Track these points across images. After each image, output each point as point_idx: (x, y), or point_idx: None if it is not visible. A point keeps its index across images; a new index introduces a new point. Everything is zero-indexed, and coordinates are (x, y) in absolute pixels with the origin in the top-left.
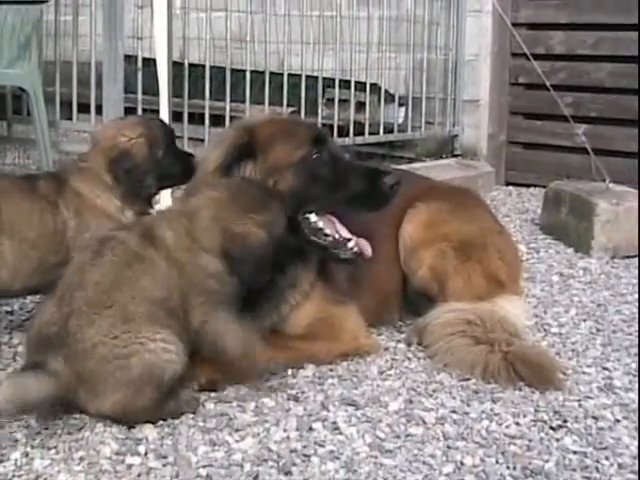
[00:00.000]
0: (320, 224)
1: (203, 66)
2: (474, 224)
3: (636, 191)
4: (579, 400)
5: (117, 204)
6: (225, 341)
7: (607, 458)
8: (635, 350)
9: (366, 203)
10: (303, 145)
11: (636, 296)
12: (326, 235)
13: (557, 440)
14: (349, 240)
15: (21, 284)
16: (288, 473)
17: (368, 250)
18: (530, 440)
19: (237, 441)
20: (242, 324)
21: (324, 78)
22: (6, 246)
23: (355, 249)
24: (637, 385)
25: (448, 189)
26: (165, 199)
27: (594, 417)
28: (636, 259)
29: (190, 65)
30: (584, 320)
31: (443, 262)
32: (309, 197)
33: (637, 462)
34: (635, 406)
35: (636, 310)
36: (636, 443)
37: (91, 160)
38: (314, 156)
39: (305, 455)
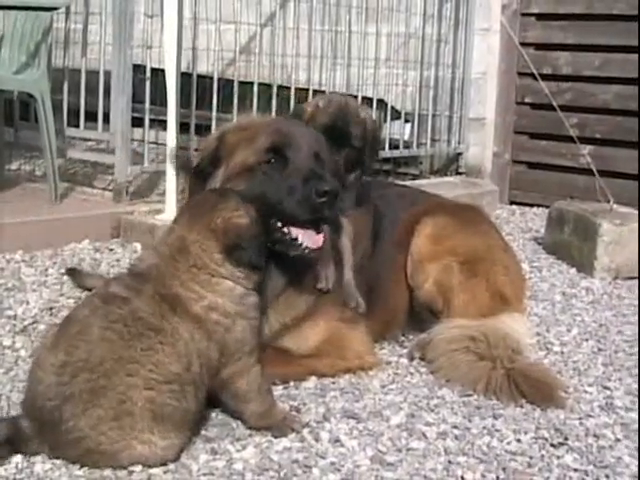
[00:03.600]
0: (278, 223)
1: (211, 77)
2: (481, 240)
3: None
4: (580, 418)
5: None
6: (248, 407)
7: (607, 476)
8: (636, 370)
9: (298, 213)
10: (258, 151)
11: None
12: (283, 233)
13: (558, 458)
14: (296, 239)
15: None
16: None
17: (316, 242)
18: (531, 457)
19: (238, 450)
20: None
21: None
22: None
23: (304, 244)
24: (638, 405)
25: (455, 205)
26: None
27: (595, 436)
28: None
29: (198, 76)
30: (586, 340)
31: (449, 277)
32: (257, 203)
33: None
34: (636, 426)
35: (637, 331)
36: (636, 462)
37: None
38: (269, 163)
39: (306, 466)
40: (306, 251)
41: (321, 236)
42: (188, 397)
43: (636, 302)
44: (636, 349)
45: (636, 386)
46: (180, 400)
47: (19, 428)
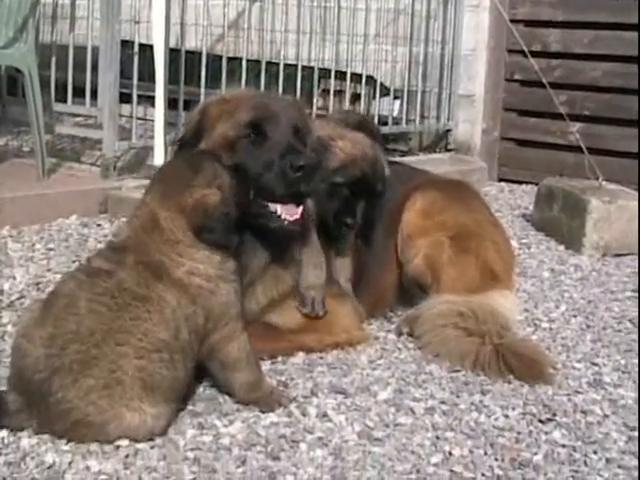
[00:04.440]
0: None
1: (199, 53)
2: (470, 215)
3: (629, 190)
4: (568, 395)
5: None
6: (237, 376)
7: (595, 452)
8: (624, 347)
9: (275, 188)
10: (238, 126)
11: (627, 294)
12: (263, 206)
13: (546, 433)
14: (275, 211)
15: None
16: (276, 458)
17: (295, 214)
18: (519, 433)
19: (226, 425)
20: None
21: (320, 69)
22: None
23: (283, 217)
24: (630, 382)
25: (444, 181)
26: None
27: (583, 412)
28: (627, 257)
29: (186, 52)
30: (574, 316)
31: (438, 252)
32: (237, 178)
33: (625, 457)
34: (624, 402)
35: (626, 307)
36: (624, 438)
37: None
38: (249, 137)
39: (293, 441)
40: (285, 223)
41: (300, 209)
42: (177, 365)
43: (624, 279)
44: (623, 325)
45: (624, 362)
46: (170, 369)
47: (5, 402)
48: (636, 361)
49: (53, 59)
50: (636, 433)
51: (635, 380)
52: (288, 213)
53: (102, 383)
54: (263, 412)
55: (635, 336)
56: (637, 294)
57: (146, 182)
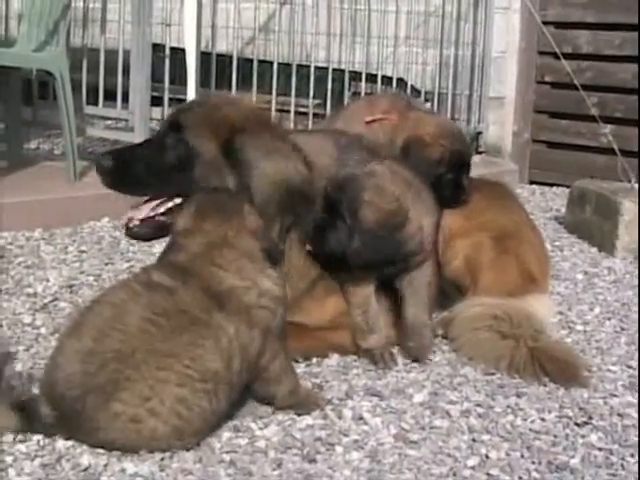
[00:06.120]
0: None
1: (230, 56)
2: (509, 216)
3: None
4: (604, 397)
5: None
6: (279, 388)
7: (632, 456)
8: None
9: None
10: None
11: None
12: None
13: (582, 437)
14: None
15: None
16: (312, 461)
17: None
18: (555, 436)
19: (261, 428)
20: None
21: (350, 71)
22: None
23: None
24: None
25: (483, 182)
26: None
27: (619, 415)
28: None
29: (217, 55)
30: (609, 319)
31: (479, 253)
32: None
33: None
34: None
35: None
36: None
37: None
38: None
39: (329, 444)
40: None
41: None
42: (221, 397)
43: None
44: None
45: None
46: (211, 401)
47: (38, 413)
48: None
49: (84, 62)
50: None
51: None
52: None
53: (132, 413)
54: (298, 415)
55: None
56: (637, 298)
57: None
